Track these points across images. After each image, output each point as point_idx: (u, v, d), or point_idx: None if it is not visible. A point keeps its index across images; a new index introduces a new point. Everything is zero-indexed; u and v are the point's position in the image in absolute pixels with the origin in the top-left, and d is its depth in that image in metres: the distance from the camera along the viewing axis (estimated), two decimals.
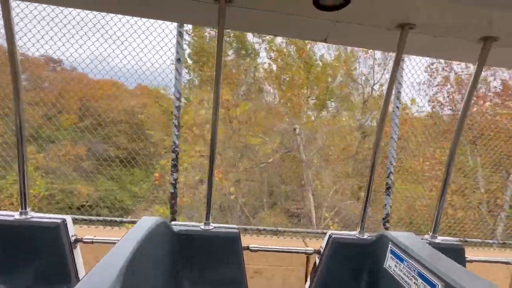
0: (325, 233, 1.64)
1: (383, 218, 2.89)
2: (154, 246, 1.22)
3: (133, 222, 2.79)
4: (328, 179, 6.80)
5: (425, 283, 1.15)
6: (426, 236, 1.69)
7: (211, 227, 1.49)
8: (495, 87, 5.91)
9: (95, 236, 1.56)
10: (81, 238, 1.50)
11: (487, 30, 1.26)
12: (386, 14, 1.20)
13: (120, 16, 3.00)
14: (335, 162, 6.72)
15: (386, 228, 2.86)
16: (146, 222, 1.26)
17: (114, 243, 1.07)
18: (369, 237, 1.60)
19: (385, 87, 7.07)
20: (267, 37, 6.75)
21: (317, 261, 1.63)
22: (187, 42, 6.81)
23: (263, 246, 1.57)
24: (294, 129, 6.70)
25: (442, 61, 6.03)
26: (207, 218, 1.49)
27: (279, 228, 3.28)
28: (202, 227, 1.49)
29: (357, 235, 1.61)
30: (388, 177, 2.84)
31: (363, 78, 7.55)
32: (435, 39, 1.39)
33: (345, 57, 7.38)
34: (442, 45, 1.47)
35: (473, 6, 1.08)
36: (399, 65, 1.41)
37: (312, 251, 1.62)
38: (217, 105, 1.39)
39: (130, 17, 3.02)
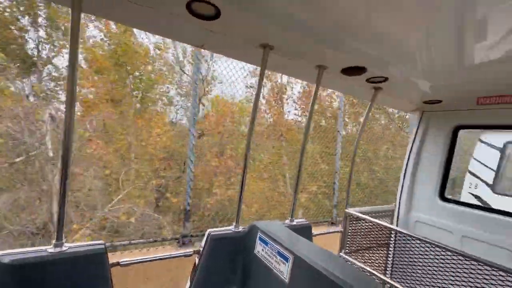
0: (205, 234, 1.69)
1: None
2: None
3: None
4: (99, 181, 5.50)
5: (281, 258, 1.41)
6: (287, 221, 2.06)
7: (64, 249, 1.22)
8: (299, 92, 7.66)
9: None
10: None
11: (321, 60, 1.70)
12: (251, 34, 1.39)
13: None
14: (134, 162, 5.77)
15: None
16: None
17: None
18: (243, 229, 1.78)
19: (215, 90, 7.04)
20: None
21: (197, 261, 1.66)
22: None
23: (135, 259, 1.43)
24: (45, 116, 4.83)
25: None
26: (59, 238, 1.21)
27: (165, 237, 3.08)
28: (51, 250, 1.20)
29: (233, 229, 1.76)
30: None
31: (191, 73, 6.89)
32: (289, 61, 1.73)
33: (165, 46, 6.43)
34: (294, 66, 1.85)
35: (310, 41, 1.43)
36: (263, 80, 1.66)
37: (191, 253, 1.63)
38: (73, 101, 1.16)
39: None
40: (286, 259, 1.37)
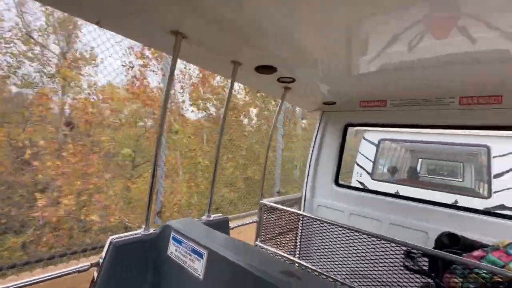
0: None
1: None
2: None
3: None
4: None
5: (196, 256, 1.36)
6: (204, 217, 2.02)
7: None
8: (193, 81, 7.50)
9: None
10: None
11: (236, 56, 1.72)
12: (158, 17, 1.27)
13: None
14: None
15: None
16: None
17: None
18: (154, 231, 1.64)
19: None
20: None
21: (96, 275, 1.42)
22: None
23: (4, 286, 1.10)
24: None
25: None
26: None
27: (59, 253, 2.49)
28: None
29: (142, 232, 1.59)
30: None
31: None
32: (204, 53, 1.69)
33: None
34: (209, 59, 1.81)
35: (226, 36, 1.42)
36: (175, 69, 1.56)
37: (87, 266, 1.38)
38: None
39: None
40: (201, 255, 1.34)
